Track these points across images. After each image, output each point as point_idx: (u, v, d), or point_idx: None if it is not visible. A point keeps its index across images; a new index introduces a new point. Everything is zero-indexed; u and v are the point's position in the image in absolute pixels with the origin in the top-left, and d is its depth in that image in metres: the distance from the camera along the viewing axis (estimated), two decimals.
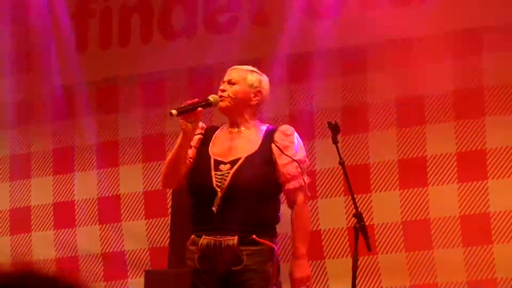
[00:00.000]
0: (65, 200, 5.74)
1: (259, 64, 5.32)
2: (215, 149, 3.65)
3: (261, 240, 3.56)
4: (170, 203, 5.31)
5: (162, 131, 5.58)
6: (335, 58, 5.14)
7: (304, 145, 5.10)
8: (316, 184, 5.08)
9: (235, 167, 3.58)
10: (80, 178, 5.73)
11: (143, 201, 5.55)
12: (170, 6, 5.61)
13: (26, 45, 5.98)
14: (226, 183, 3.54)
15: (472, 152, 4.84)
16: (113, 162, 5.65)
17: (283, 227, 4.96)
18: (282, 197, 3.69)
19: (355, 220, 3.92)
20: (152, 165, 5.57)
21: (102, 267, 5.60)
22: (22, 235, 5.82)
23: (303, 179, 3.62)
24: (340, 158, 3.93)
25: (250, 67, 3.78)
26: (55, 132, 5.84)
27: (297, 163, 3.60)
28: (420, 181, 4.90)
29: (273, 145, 3.62)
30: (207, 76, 5.46)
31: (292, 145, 3.64)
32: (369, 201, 4.99)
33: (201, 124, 3.72)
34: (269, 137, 3.65)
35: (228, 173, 3.56)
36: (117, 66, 5.71)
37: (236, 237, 3.53)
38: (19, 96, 5.97)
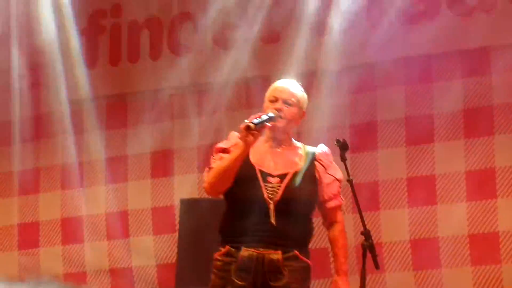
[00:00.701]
0: (73, 215, 5.76)
1: (268, 81, 5.35)
2: (258, 161, 3.63)
3: (302, 256, 3.56)
4: (178, 219, 5.31)
5: (171, 147, 5.59)
6: (344, 76, 5.16)
7: None
8: None
9: (286, 181, 3.58)
10: (88, 193, 5.75)
11: (151, 217, 5.56)
12: (179, 22, 5.64)
13: (35, 60, 6.01)
14: (278, 196, 3.53)
15: (481, 171, 4.83)
16: (121, 178, 5.67)
17: (313, 243, 4.98)
18: None
19: (363, 238, 3.92)
20: (160, 181, 5.58)
21: (110, 283, 5.61)
22: (31, 250, 5.83)
23: (341, 198, 3.69)
24: (348, 175, 3.93)
25: (298, 84, 3.78)
26: (63, 147, 5.87)
27: (338, 182, 3.66)
28: (429, 199, 4.89)
29: (316, 163, 3.65)
30: (215, 92, 5.48)
31: (332, 165, 3.69)
32: (377, 218, 4.99)
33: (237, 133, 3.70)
34: (311, 155, 3.67)
35: (279, 186, 3.56)
36: (126, 82, 5.75)
37: (280, 252, 3.51)
38: (28, 111, 6.00)
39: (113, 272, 5.60)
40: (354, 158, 5.03)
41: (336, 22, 5.16)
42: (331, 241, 3.69)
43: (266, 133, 3.67)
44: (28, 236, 5.85)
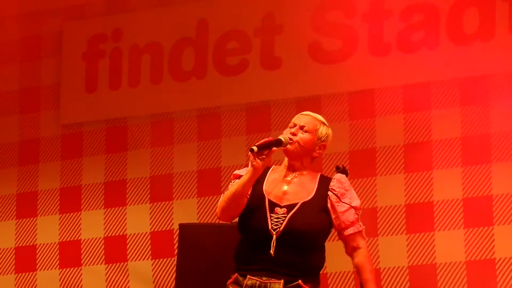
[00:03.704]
0: (71, 239, 5.76)
1: (268, 107, 5.39)
2: (269, 190, 3.65)
3: (306, 286, 3.55)
4: (177, 244, 5.31)
5: (170, 171, 5.61)
6: (343, 102, 5.19)
7: None
8: None
9: (292, 212, 3.57)
10: (86, 217, 5.75)
11: (149, 241, 5.56)
12: (180, 47, 5.68)
13: (35, 83, 6.05)
14: (282, 227, 3.53)
15: (479, 198, 4.86)
16: (120, 202, 5.68)
17: None
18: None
19: None
20: (159, 205, 5.59)
21: None
22: (27, 273, 5.82)
23: (360, 224, 3.65)
24: None
25: (321, 118, 3.80)
26: (62, 171, 5.88)
27: (354, 209, 3.64)
28: (427, 225, 4.91)
29: (329, 193, 3.64)
30: (216, 117, 5.51)
31: (348, 193, 3.68)
32: (376, 244, 5.00)
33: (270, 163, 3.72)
34: (324, 185, 3.67)
35: (285, 217, 3.56)
36: (126, 106, 5.77)
37: (282, 281, 3.51)
38: (26, 134, 6.02)
39: None
40: (353, 184, 5.05)
41: (335, 48, 5.21)
42: (358, 268, 3.65)
43: (284, 161, 3.70)
44: (25, 259, 5.84)
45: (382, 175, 5.07)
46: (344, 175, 3.76)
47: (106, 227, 5.69)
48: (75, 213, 5.78)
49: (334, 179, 3.70)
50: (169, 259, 5.47)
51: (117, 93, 5.79)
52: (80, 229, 5.75)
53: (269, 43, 5.40)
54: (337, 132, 5.18)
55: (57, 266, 5.75)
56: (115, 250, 5.62)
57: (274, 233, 3.53)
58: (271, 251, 3.50)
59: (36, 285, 5.79)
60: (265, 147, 3.54)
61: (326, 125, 3.77)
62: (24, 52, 6.10)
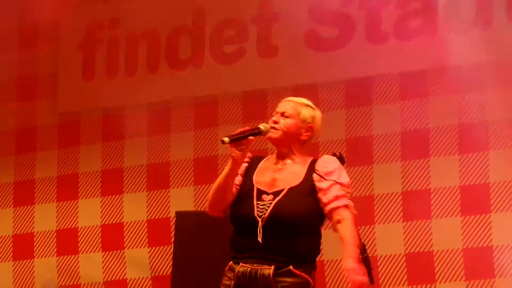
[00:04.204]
0: (69, 227, 5.76)
1: (264, 95, 5.39)
2: (259, 179, 3.64)
3: (297, 271, 3.54)
4: (174, 231, 5.32)
5: (167, 159, 5.61)
6: (339, 90, 5.19)
7: None
8: None
9: (278, 198, 3.56)
10: (83, 205, 5.75)
11: (146, 229, 5.56)
12: (177, 35, 5.66)
13: (32, 72, 6.04)
14: (267, 213, 3.53)
15: (476, 186, 4.86)
16: (117, 190, 5.68)
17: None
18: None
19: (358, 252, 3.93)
20: (156, 193, 5.59)
21: None
22: (25, 261, 5.83)
23: (348, 201, 3.53)
24: None
25: (305, 101, 3.76)
26: (59, 159, 5.88)
27: (340, 185, 3.55)
28: (424, 213, 4.91)
29: (314, 174, 3.60)
30: (213, 106, 5.51)
31: (335, 171, 3.59)
32: (372, 232, 5.00)
33: (248, 153, 3.72)
34: (311, 167, 3.64)
35: (270, 203, 3.56)
36: (123, 95, 5.76)
37: (272, 267, 3.51)
38: (24, 122, 6.02)
39: (108, 285, 5.60)
40: (350, 172, 5.05)
41: (333, 36, 5.20)
42: (340, 237, 3.52)
43: (274, 149, 3.69)
44: (23, 247, 5.84)
45: (379, 163, 5.07)
46: (333, 156, 3.73)
47: (103, 215, 5.70)
48: (72, 201, 5.78)
49: (320, 159, 3.68)
50: (166, 246, 5.48)
51: (114, 82, 5.78)
52: (77, 217, 5.76)
53: (266, 31, 5.39)
54: (334, 119, 5.19)
55: (54, 253, 5.76)
56: (112, 238, 5.63)
57: (259, 220, 3.53)
58: (258, 238, 3.50)
59: (33, 272, 5.79)
60: (239, 138, 3.53)
61: (311, 107, 3.73)
62: (21, 41, 6.09)
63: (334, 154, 3.89)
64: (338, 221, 3.52)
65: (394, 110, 5.07)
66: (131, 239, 5.60)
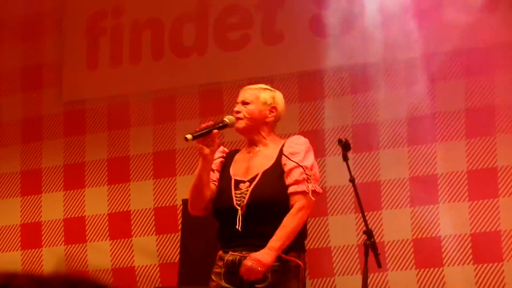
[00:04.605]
0: (76, 215, 5.77)
1: (270, 82, 5.37)
2: (236, 170, 3.67)
3: (287, 256, 3.55)
4: (181, 219, 5.32)
5: (173, 147, 5.60)
6: (345, 76, 5.17)
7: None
8: (327, 201, 5.09)
9: (253, 184, 3.59)
10: (90, 194, 5.76)
11: (153, 217, 5.57)
12: (181, 23, 5.65)
13: (37, 61, 6.03)
14: (246, 200, 3.55)
15: (483, 170, 4.85)
16: (123, 178, 5.68)
17: (315, 242, 4.99)
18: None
19: (365, 237, 3.93)
20: (162, 181, 5.59)
21: (112, 282, 5.61)
22: (33, 250, 5.84)
23: (307, 185, 3.56)
24: (350, 175, 3.95)
25: (262, 85, 3.80)
26: (65, 148, 5.88)
27: (303, 168, 3.57)
28: (431, 198, 4.90)
29: (282, 155, 3.63)
30: (217, 93, 5.49)
31: (301, 152, 3.62)
32: (380, 218, 5.00)
33: (222, 148, 3.74)
34: (282, 148, 3.66)
35: (247, 190, 3.57)
36: (128, 83, 5.75)
37: None
38: (29, 112, 6.02)
39: (116, 272, 5.61)
40: (356, 158, 5.05)
41: (336, 22, 5.18)
42: None
43: (246, 140, 3.72)
44: (31, 236, 5.85)
45: (385, 148, 5.06)
46: (302, 136, 3.75)
47: (110, 203, 5.70)
48: (79, 189, 5.79)
49: (289, 139, 3.69)
50: (173, 234, 5.48)
51: (119, 70, 5.77)
52: (85, 205, 5.76)
53: (270, 17, 5.37)
54: (340, 106, 5.17)
55: (62, 242, 5.77)
56: (120, 226, 5.63)
57: (239, 208, 3.54)
58: (237, 226, 3.51)
59: (42, 261, 5.81)
60: (203, 134, 3.54)
61: (269, 89, 3.76)
62: (26, 30, 6.07)
63: (340, 140, 3.90)
64: (291, 207, 3.55)
65: (400, 95, 5.05)
66: (138, 227, 5.60)
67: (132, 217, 5.63)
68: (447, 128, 4.95)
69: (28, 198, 5.92)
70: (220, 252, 3.65)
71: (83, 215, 5.75)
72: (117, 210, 5.67)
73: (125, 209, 5.66)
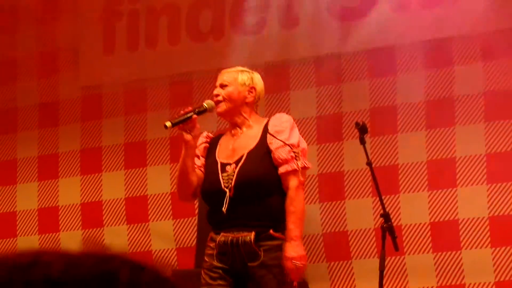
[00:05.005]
0: (93, 200, 5.79)
1: (288, 66, 5.36)
2: (221, 153, 3.71)
3: (277, 234, 3.58)
4: (198, 203, 5.33)
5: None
6: (363, 60, 5.15)
7: (333, 147, 5.14)
8: (345, 185, 5.09)
9: (239, 165, 3.62)
10: (107, 178, 5.77)
11: (170, 201, 5.58)
12: (197, 7, 5.64)
13: (53, 46, 6.04)
14: (233, 182, 3.58)
15: (502, 153, 4.83)
16: (140, 163, 5.69)
17: (313, 228, 4.99)
18: None
19: (383, 220, 3.94)
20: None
21: None
22: (51, 234, 5.87)
23: (296, 163, 3.59)
24: (368, 158, 3.96)
25: (239, 67, 3.84)
26: (82, 132, 5.89)
27: (290, 147, 3.59)
28: (449, 182, 4.89)
29: (268, 134, 3.64)
30: None
31: (285, 130, 3.65)
32: (397, 202, 4.99)
33: (206, 133, 3.78)
34: (266, 127, 3.67)
35: (234, 172, 3.60)
36: (144, 68, 5.76)
37: (253, 233, 3.56)
38: (46, 97, 6.03)
39: (133, 256, 5.62)
40: (374, 142, 5.04)
41: (356, 6, 5.16)
42: (286, 212, 3.63)
43: (229, 123, 3.74)
44: (48, 220, 5.88)
45: (403, 132, 5.05)
46: (285, 114, 3.77)
47: (127, 188, 5.72)
48: (96, 174, 5.80)
49: (272, 118, 3.71)
50: (190, 218, 5.50)
51: (135, 55, 5.78)
52: (102, 190, 5.78)
53: (287, 0, 5.35)
54: (358, 90, 5.16)
55: (79, 227, 5.80)
56: (137, 210, 5.65)
57: (227, 190, 3.56)
58: (223, 208, 3.55)
59: (59, 245, 5.83)
60: (182, 120, 3.56)
61: (247, 71, 3.80)
62: (42, 15, 6.08)
63: (357, 123, 3.91)
64: (286, 188, 3.62)
65: (418, 79, 5.03)
66: (155, 211, 5.62)
67: (149, 202, 5.65)
68: (466, 111, 4.93)
69: (45, 183, 5.95)
70: (212, 234, 3.69)
71: (100, 199, 5.77)
72: (134, 195, 5.69)
73: (142, 194, 5.67)
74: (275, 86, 5.37)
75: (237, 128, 3.72)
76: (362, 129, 4.00)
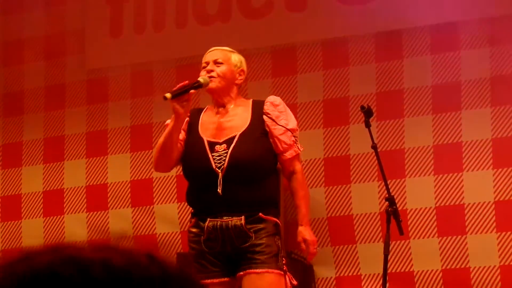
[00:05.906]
0: (98, 183, 5.79)
1: (293, 50, 5.33)
2: (206, 131, 3.67)
3: (267, 217, 3.58)
4: None
5: None
6: (370, 44, 5.13)
7: (339, 130, 5.13)
8: (350, 169, 5.07)
9: (232, 145, 3.59)
10: (113, 161, 5.77)
11: (175, 184, 5.57)
12: None
13: (60, 29, 6.03)
14: (226, 163, 3.55)
15: (508, 138, 4.81)
16: (145, 145, 5.68)
17: (318, 212, 4.97)
18: None
19: (387, 204, 3.92)
20: None
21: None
22: (55, 217, 5.87)
23: (298, 147, 3.67)
24: (373, 141, 3.94)
25: (228, 48, 3.84)
26: (88, 115, 5.89)
27: (291, 132, 3.64)
28: (455, 166, 4.88)
29: (265, 117, 3.64)
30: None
31: (282, 114, 3.67)
32: (403, 186, 4.98)
33: None
34: (258, 109, 3.68)
35: (226, 152, 3.57)
36: (151, 51, 5.74)
37: (243, 217, 3.54)
38: (52, 79, 6.02)
39: (138, 239, 5.63)
40: (381, 126, 5.02)
41: None
42: (292, 193, 3.72)
43: (213, 101, 3.72)
44: (53, 203, 5.88)
45: (409, 117, 5.03)
46: (278, 97, 3.77)
47: (132, 171, 5.71)
48: (102, 157, 5.80)
49: (267, 102, 3.70)
50: None
51: (142, 38, 5.76)
52: (107, 173, 5.78)
53: None
54: (364, 74, 5.14)
55: (84, 209, 5.80)
56: (141, 193, 5.65)
57: (219, 171, 3.54)
58: (218, 189, 3.52)
59: (64, 228, 5.84)
60: (181, 93, 3.55)
61: (235, 52, 3.79)
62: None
63: (362, 106, 3.90)
64: (291, 174, 3.68)
65: (425, 63, 5.00)
66: (160, 194, 5.62)
67: (154, 185, 5.64)
68: (472, 96, 4.91)
69: (50, 165, 5.95)
70: (194, 220, 3.64)
71: (105, 182, 5.77)
72: (139, 178, 5.68)
73: (147, 177, 5.67)
74: (282, 69, 5.35)
75: (222, 107, 3.71)
76: (368, 113, 3.98)
